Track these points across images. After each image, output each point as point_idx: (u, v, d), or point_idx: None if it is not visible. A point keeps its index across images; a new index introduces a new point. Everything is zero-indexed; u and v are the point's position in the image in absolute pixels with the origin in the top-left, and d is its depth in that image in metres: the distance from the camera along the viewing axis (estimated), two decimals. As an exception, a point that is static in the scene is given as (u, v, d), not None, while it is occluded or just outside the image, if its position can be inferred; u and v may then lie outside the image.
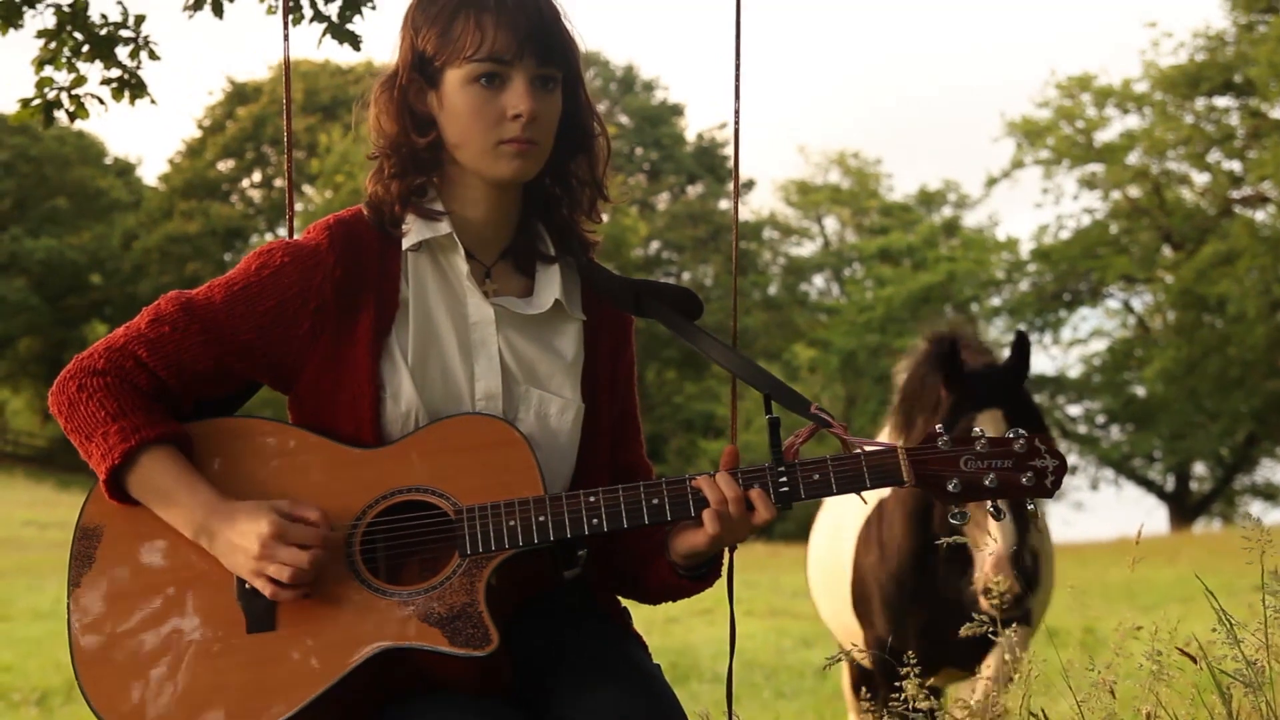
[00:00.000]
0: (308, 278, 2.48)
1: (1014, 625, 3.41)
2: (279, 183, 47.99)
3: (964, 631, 3.28)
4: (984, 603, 4.63)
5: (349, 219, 2.56)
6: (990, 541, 4.86)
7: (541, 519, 2.39)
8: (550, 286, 2.59)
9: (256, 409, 2.70)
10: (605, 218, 2.69)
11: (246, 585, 2.39)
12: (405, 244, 2.53)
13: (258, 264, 2.50)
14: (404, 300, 2.53)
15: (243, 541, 2.36)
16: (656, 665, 2.60)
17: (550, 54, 2.46)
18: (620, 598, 2.72)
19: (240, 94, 48.17)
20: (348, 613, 2.38)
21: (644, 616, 2.75)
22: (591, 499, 2.40)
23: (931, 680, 5.42)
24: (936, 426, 2.48)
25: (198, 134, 48.53)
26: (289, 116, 3.31)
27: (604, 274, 2.65)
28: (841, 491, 2.41)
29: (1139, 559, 3.04)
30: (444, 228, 2.53)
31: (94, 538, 2.47)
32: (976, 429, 2.47)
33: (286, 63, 3.34)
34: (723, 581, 2.72)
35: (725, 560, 2.66)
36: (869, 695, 4.18)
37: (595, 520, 2.40)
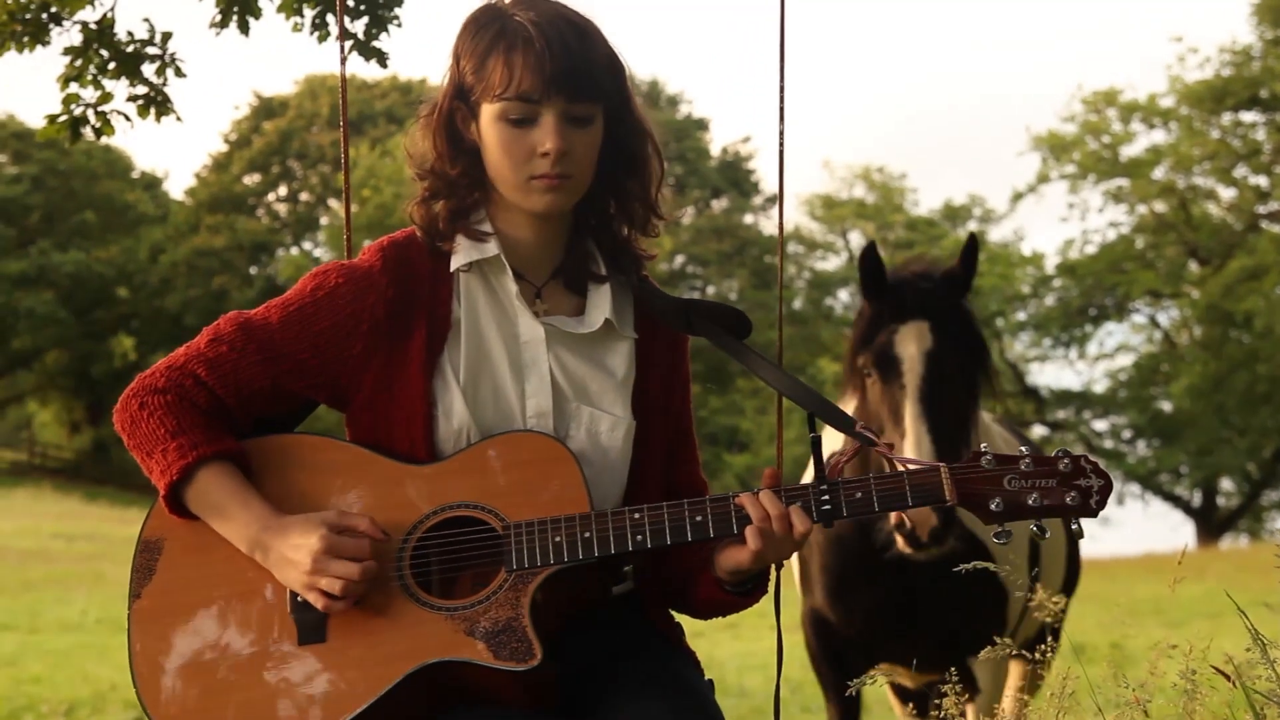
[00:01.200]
0: (361, 299, 2.53)
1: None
2: (305, 196, 48.14)
3: (983, 656, 3.18)
4: (899, 540, 4.29)
5: (402, 241, 2.61)
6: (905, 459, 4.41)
7: (587, 535, 2.42)
8: (601, 306, 2.63)
9: (314, 424, 2.74)
10: (660, 232, 2.71)
11: (298, 598, 2.45)
12: (454, 265, 2.57)
13: (313, 285, 2.55)
14: (456, 320, 2.57)
15: (295, 555, 2.40)
16: (708, 682, 2.63)
17: (581, 91, 2.47)
18: (673, 612, 2.74)
19: (267, 108, 48.34)
20: (396, 626, 2.42)
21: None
22: (636, 516, 2.43)
23: (875, 673, 5.20)
24: (982, 445, 2.49)
25: (224, 148, 48.72)
26: (345, 138, 3.36)
27: (656, 293, 2.68)
28: (884, 510, 2.45)
29: (1180, 579, 3.01)
30: (491, 249, 2.57)
31: (155, 551, 2.53)
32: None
33: (343, 80, 3.37)
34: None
35: (771, 576, 2.69)
36: (915, 711, 4.02)
37: (639, 537, 2.42)
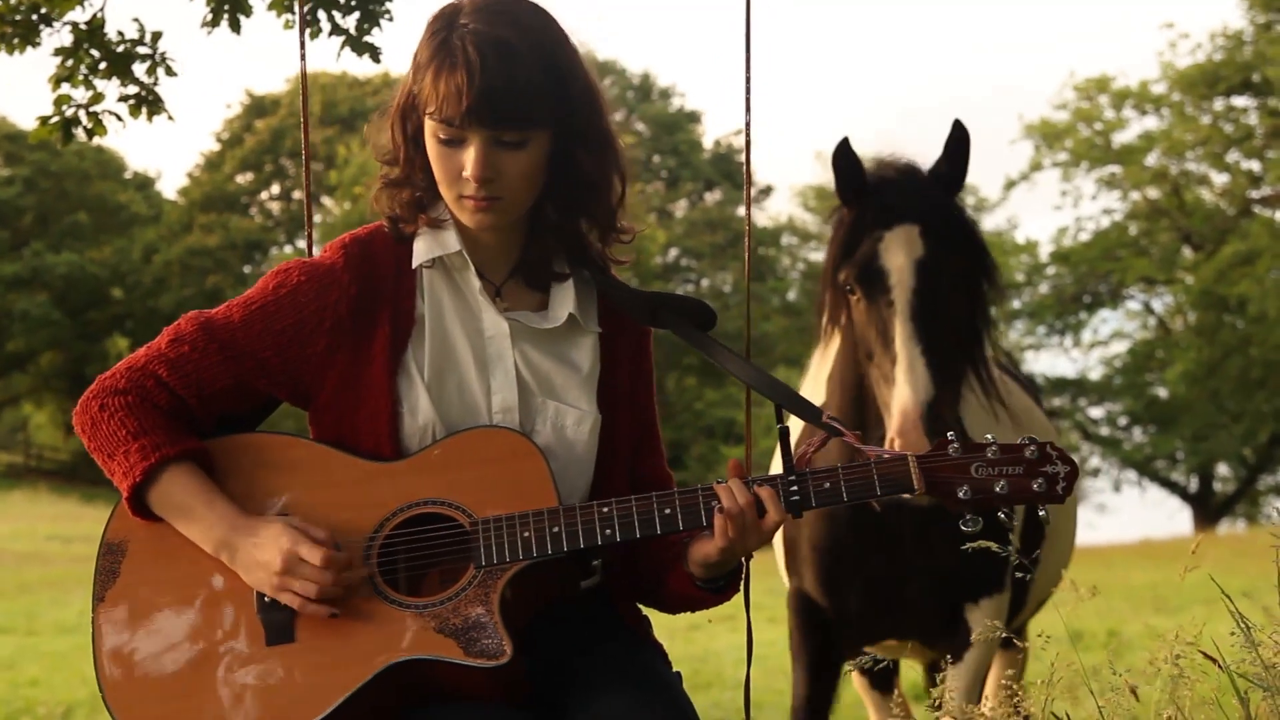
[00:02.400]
0: (323, 296, 2.51)
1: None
2: (298, 195, 48.10)
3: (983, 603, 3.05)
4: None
5: (365, 237, 2.59)
6: (897, 390, 3.74)
7: (555, 530, 2.42)
8: (564, 301, 2.62)
9: (279, 422, 2.73)
10: (632, 240, 2.68)
11: (266, 599, 2.43)
12: (415, 261, 2.56)
13: (275, 283, 2.54)
14: (420, 316, 2.56)
15: (264, 556, 2.39)
16: (676, 673, 2.62)
17: (502, 121, 2.41)
18: (641, 606, 2.74)
19: (258, 107, 48.27)
20: (365, 625, 2.41)
21: (666, 623, 2.76)
22: (605, 509, 2.43)
23: (873, 650, 4.54)
24: (949, 434, 2.48)
25: (216, 147, 48.66)
26: (306, 131, 3.33)
27: (620, 287, 2.67)
28: (852, 500, 2.44)
29: (1192, 568, 3.01)
30: (453, 243, 2.56)
31: (118, 553, 2.51)
32: (988, 441, 2.44)
33: (303, 76, 3.36)
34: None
35: (744, 571, 2.68)
36: (900, 699, 3.73)
37: (608, 530, 2.42)
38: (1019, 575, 3.53)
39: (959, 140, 3.97)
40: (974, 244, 4.06)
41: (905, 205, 3.92)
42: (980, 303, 4.05)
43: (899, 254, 3.88)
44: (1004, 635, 3.11)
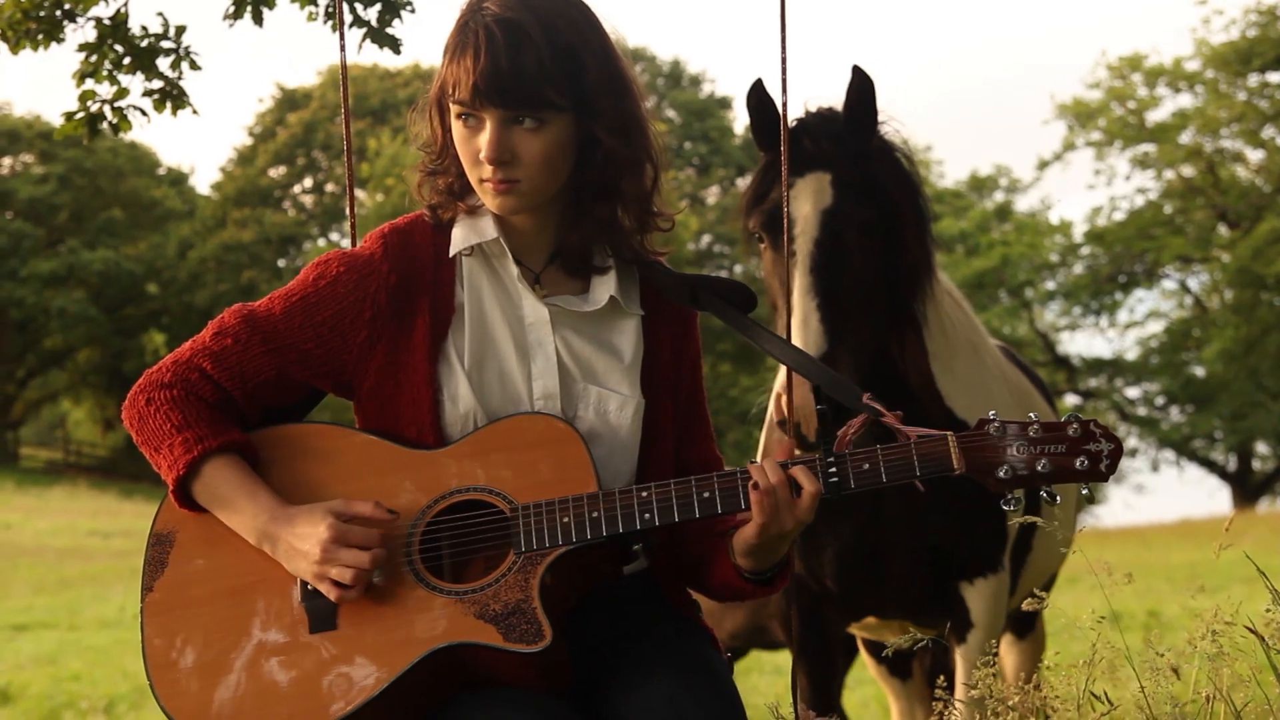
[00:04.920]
0: (363, 286, 2.53)
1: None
2: (331, 188, 48.23)
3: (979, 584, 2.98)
4: (778, 435, 3.61)
5: (404, 227, 2.60)
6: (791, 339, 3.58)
7: (595, 515, 2.42)
8: (605, 284, 2.61)
9: (336, 412, 2.75)
10: (672, 227, 2.67)
11: (309, 587, 2.45)
12: (453, 249, 2.57)
13: (315, 274, 2.56)
14: (459, 304, 2.57)
15: (303, 545, 2.41)
16: (726, 658, 2.62)
17: (514, 99, 2.42)
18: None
19: (290, 100, 48.44)
20: (407, 611, 2.42)
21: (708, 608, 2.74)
22: (644, 494, 2.43)
23: (856, 627, 4.47)
24: (990, 413, 2.45)
25: (249, 142, 48.84)
26: (348, 123, 3.33)
27: (661, 270, 2.66)
28: (892, 481, 2.42)
29: (1227, 545, 2.99)
30: (490, 231, 2.57)
31: (166, 543, 2.54)
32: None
33: (343, 67, 3.36)
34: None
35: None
36: (944, 685, 3.62)
37: (648, 515, 2.42)
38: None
39: (858, 89, 3.82)
40: (891, 195, 3.88)
41: (819, 152, 3.79)
42: (901, 256, 3.88)
43: (806, 202, 3.76)
44: (1020, 620, 3.08)
